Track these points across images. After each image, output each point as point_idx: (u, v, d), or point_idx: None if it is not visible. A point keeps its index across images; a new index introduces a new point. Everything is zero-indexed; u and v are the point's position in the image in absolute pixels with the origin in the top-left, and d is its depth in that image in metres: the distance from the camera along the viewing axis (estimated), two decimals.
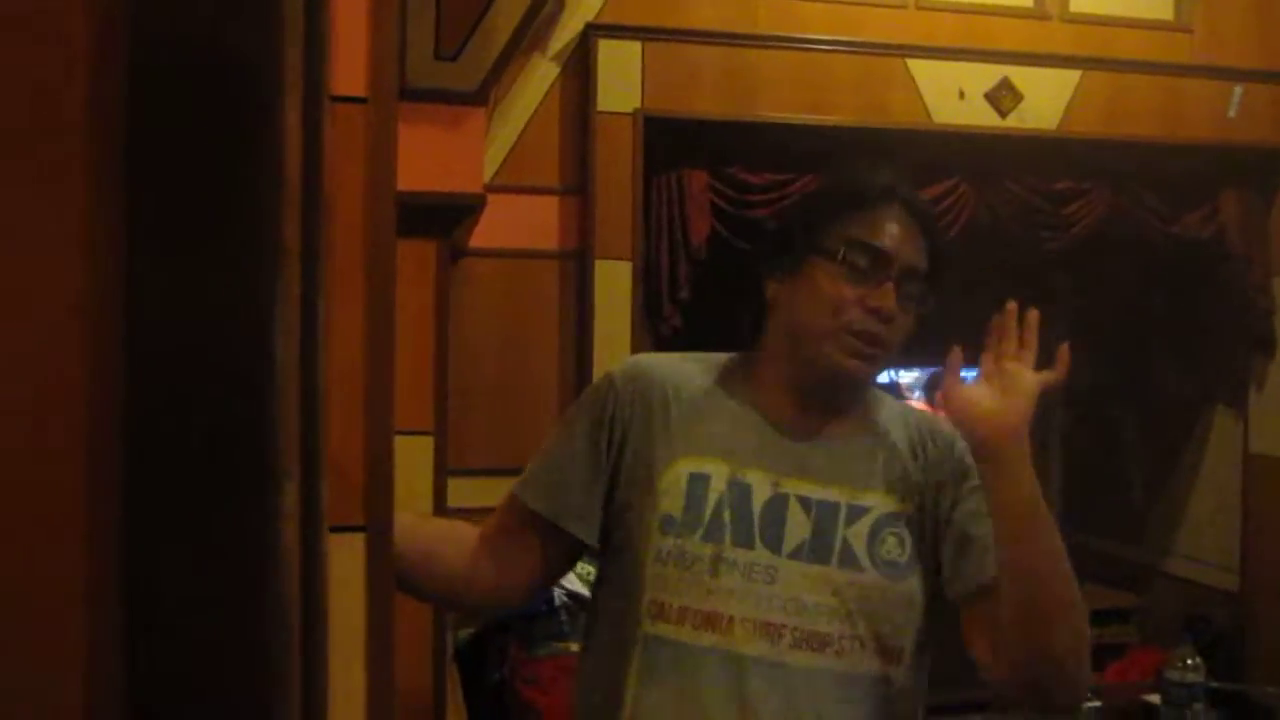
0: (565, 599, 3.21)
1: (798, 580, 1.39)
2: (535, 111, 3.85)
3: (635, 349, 3.76)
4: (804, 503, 1.42)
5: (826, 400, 1.49)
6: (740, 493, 1.41)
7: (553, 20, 3.79)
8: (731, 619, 1.37)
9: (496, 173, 3.72)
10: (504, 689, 3.44)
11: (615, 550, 1.47)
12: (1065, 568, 1.34)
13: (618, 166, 3.83)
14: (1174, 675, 2.83)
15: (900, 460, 1.49)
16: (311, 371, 0.42)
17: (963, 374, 1.39)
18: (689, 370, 1.54)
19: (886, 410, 1.56)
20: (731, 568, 1.38)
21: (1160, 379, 5.24)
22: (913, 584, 1.43)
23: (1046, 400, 1.41)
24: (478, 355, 3.67)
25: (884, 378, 5.18)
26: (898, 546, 1.42)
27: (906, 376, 5.23)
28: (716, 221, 4.02)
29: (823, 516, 1.41)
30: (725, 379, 1.53)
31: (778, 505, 1.41)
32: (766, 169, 4.08)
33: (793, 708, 1.36)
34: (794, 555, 1.40)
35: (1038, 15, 4.22)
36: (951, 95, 4.10)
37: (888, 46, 4.07)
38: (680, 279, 3.92)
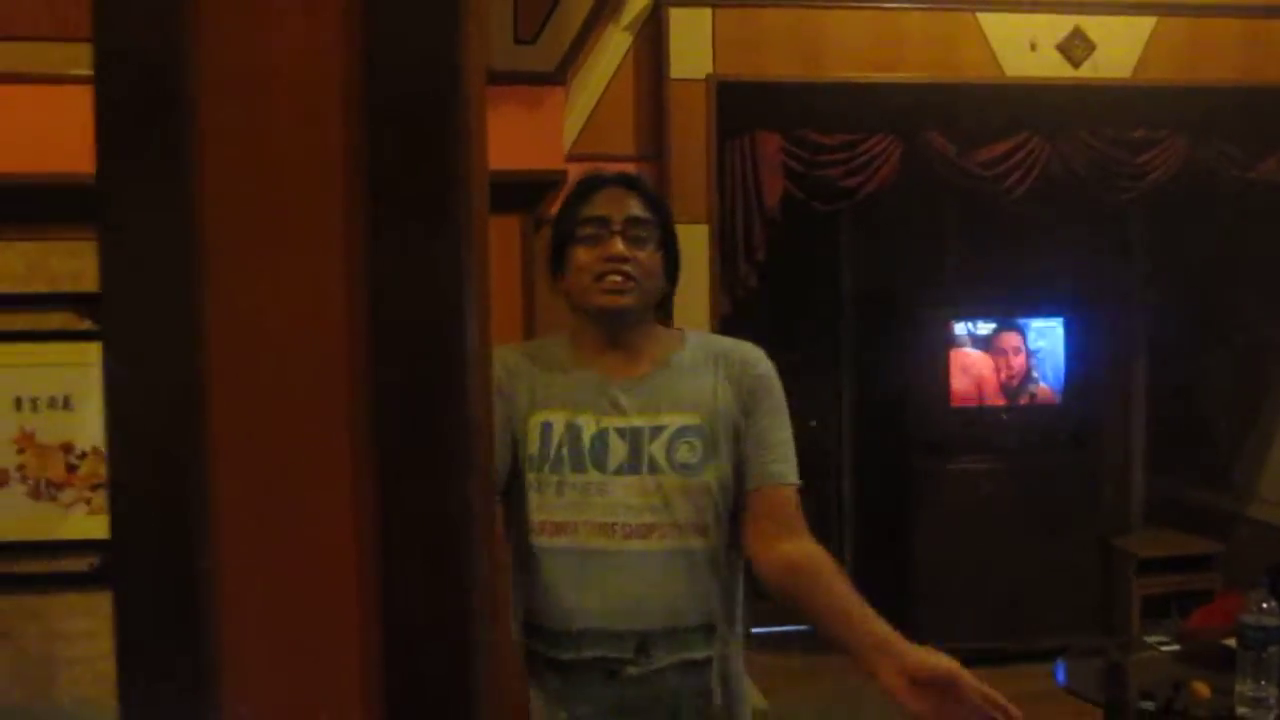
0: None
1: (622, 489, 1.88)
2: (610, 81, 3.95)
3: (713, 309, 3.87)
4: (620, 432, 1.91)
5: (625, 342, 1.96)
6: (574, 432, 1.90)
7: None
8: (576, 524, 1.87)
9: (575, 142, 3.83)
10: None
11: (508, 492, 1.94)
12: None
13: (692, 132, 3.93)
14: (1250, 619, 2.88)
15: (696, 381, 1.94)
16: (479, 344, 0.55)
17: None
18: (535, 350, 2.05)
19: (692, 344, 2.00)
20: (572, 488, 1.89)
21: (1244, 325, 5.19)
22: (706, 477, 1.89)
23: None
24: (560, 321, 3.81)
25: (962, 329, 5.25)
26: (690, 452, 1.89)
27: (984, 328, 5.27)
28: (790, 183, 4.10)
29: (634, 439, 1.90)
30: (562, 350, 2.02)
31: (601, 438, 1.91)
32: (838, 129, 4.14)
33: (630, 583, 1.86)
34: (617, 472, 1.89)
35: None
36: (1023, 47, 4.11)
37: (958, 1, 4.08)
38: (755, 240, 4.02)
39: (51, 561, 2.94)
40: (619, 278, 1.89)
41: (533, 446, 1.91)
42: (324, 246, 0.52)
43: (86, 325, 2.88)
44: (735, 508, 1.94)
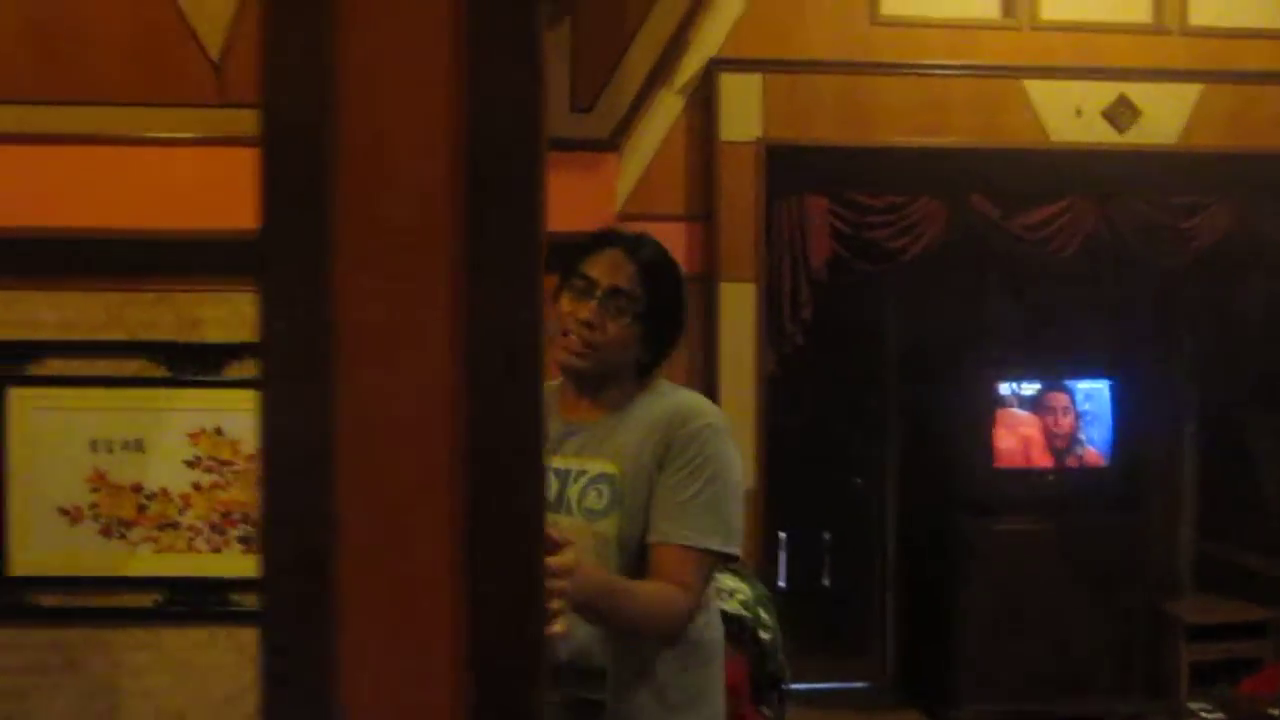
0: None
1: (546, 525, 1.89)
2: (662, 143, 4.07)
3: (759, 367, 3.96)
4: (556, 473, 1.99)
5: (590, 393, 2.03)
6: None
7: (678, 56, 4.02)
8: None
9: (626, 202, 3.95)
10: None
11: None
12: (632, 615, 1.87)
13: (741, 193, 4.04)
14: None
15: (635, 435, 1.98)
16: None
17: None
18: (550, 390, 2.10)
19: (656, 398, 2.04)
20: None
21: None
22: (605, 525, 1.94)
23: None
24: None
25: (1008, 389, 5.27)
26: (597, 499, 1.96)
27: (1029, 389, 5.29)
28: (837, 244, 4.19)
29: (563, 481, 1.99)
30: (552, 394, 2.06)
31: None
32: (886, 192, 4.23)
33: None
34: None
35: (1155, 30, 4.26)
36: (1068, 114, 4.18)
37: (1004, 68, 4.17)
38: (802, 299, 4.11)
39: (118, 596, 3.06)
40: (577, 343, 1.96)
41: None
42: (429, 303, 0.62)
43: (161, 372, 3.02)
44: (635, 561, 1.94)
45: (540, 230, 0.69)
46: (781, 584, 5.30)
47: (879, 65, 4.14)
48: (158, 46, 2.88)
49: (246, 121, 2.61)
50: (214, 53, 2.83)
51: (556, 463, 2.00)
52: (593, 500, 1.96)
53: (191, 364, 3.03)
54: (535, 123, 0.66)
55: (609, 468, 1.98)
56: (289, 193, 0.58)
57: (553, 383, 2.14)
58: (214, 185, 3.00)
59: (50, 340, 3.07)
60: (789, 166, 4.10)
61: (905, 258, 4.30)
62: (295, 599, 0.58)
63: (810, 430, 5.17)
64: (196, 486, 3.06)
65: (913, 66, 4.16)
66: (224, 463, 3.04)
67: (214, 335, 3.04)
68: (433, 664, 0.59)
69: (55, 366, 3.08)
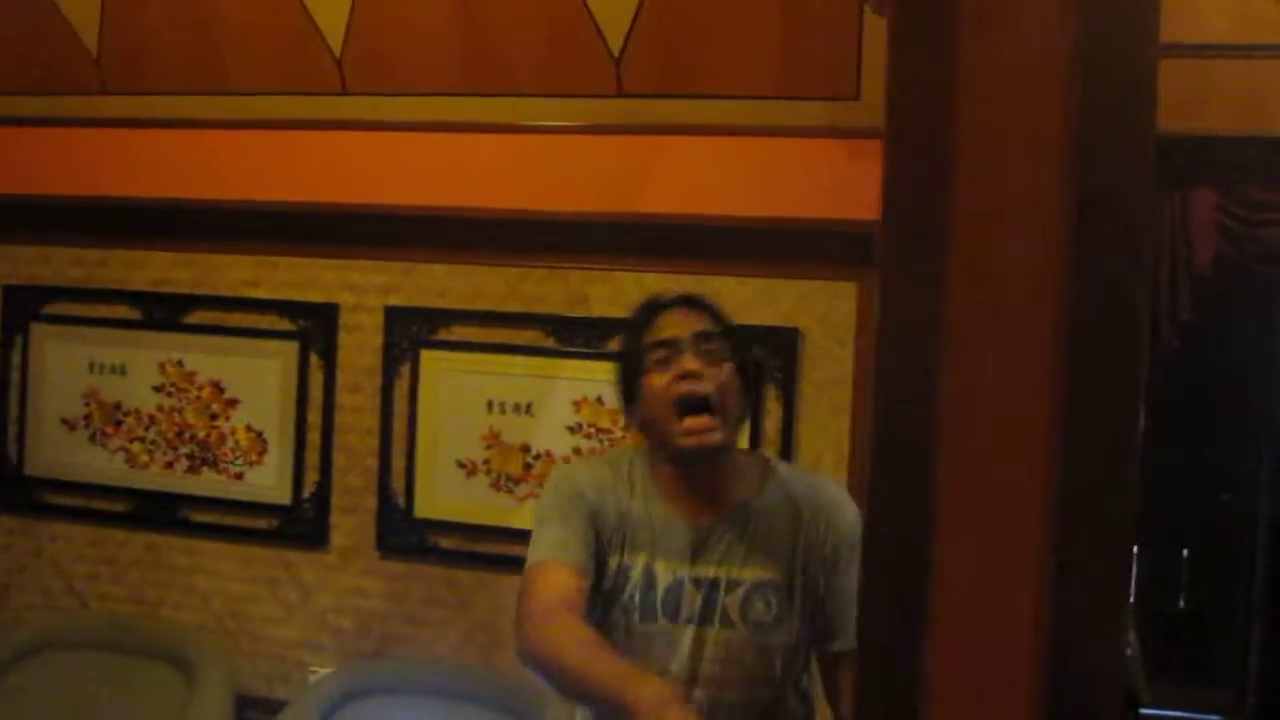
0: None
1: (692, 639, 1.84)
2: None
3: None
4: (695, 583, 1.87)
5: (706, 481, 1.89)
6: (649, 579, 1.87)
7: None
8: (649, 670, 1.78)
9: None
10: None
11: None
12: None
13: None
14: None
15: (776, 532, 1.87)
16: None
17: None
18: (611, 478, 1.94)
19: (779, 486, 1.92)
20: (640, 636, 1.86)
21: None
22: (779, 636, 1.86)
23: None
24: None
25: None
26: (766, 610, 1.86)
27: None
28: (1225, 242, 3.90)
29: (709, 591, 1.86)
30: (637, 482, 1.92)
31: (676, 588, 1.86)
32: None
33: None
34: (688, 621, 1.85)
35: None
36: None
37: None
38: (1181, 301, 3.86)
39: (503, 545, 3.34)
40: (705, 420, 1.80)
41: (609, 584, 1.89)
42: (1035, 260, 0.65)
43: (550, 343, 3.27)
44: (809, 656, 1.94)
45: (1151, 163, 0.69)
46: (1131, 601, 5.01)
47: None
48: (565, 43, 3.11)
49: (639, 111, 2.78)
50: (615, 48, 3.03)
51: (693, 571, 1.86)
52: (760, 612, 1.86)
53: (578, 336, 3.25)
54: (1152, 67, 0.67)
55: (769, 574, 1.86)
56: (913, 183, 0.64)
57: (623, 458, 1.98)
58: (606, 171, 3.21)
59: (457, 309, 3.39)
60: (1173, 157, 3.85)
61: None
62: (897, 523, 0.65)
63: (1176, 438, 4.84)
64: (577, 451, 3.28)
65: None
66: (602, 430, 3.24)
67: (599, 310, 3.24)
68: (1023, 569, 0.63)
69: (460, 333, 3.40)
